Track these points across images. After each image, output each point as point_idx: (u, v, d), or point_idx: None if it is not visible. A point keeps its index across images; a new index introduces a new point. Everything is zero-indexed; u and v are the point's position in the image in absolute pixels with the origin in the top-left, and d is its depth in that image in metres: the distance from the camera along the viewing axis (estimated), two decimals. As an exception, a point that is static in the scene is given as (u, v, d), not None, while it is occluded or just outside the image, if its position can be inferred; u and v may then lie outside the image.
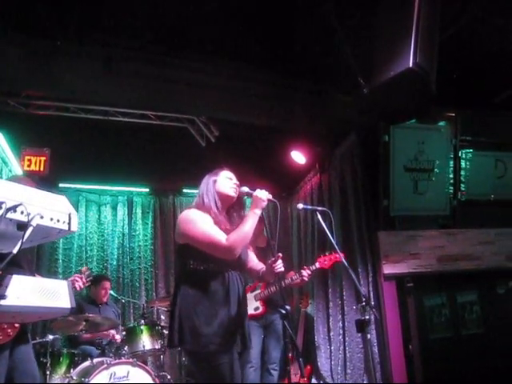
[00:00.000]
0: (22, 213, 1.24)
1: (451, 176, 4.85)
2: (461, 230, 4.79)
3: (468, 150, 4.93)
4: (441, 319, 4.68)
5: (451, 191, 4.85)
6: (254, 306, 4.16)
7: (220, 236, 2.28)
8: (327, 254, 3.81)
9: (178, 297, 2.32)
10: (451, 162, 4.86)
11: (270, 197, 2.45)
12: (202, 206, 2.42)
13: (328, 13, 3.95)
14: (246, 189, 2.51)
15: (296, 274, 3.66)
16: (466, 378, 4.41)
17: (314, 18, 4.10)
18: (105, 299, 4.87)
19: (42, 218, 1.29)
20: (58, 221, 1.36)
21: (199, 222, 2.32)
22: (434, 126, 4.83)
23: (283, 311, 2.25)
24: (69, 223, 1.38)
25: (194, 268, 2.32)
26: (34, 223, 1.25)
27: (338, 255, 3.51)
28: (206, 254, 2.29)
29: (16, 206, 1.21)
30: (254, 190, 2.46)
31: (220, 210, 2.42)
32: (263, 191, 2.44)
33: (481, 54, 4.54)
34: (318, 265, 3.74)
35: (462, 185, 4.88)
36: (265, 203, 2.42)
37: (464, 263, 4.68)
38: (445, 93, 4.19)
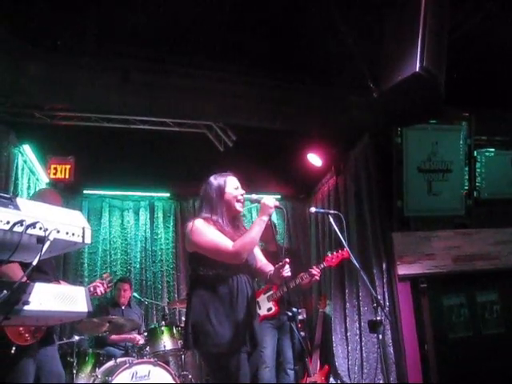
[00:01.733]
0: (40, 228, 1.39)
1: (466, 176, 4.84)
2: (477, 229, 4.78)
3: (483, 150, 4.92)
4: (460, 319, 4.67)
5: (466, 191, 4.84)
6: (267, 306, 4.25)
7: (226, 242, 2.39)
8: (334, 252, 3.87)
9: (191, 302, 2.46)
10: (466, 162, 4.85)
11: (277, 203, 2.52)
12: (209, 216, 2.51)
13: (336, 17, 4.03)
14: (254, 196, 2.60)
15: (305, 274, 3.74)
16: (486, 377, 4.40)
17: (324, 22, 4.17)
18: (123, 300, 5.02)
19: (58, 232, 1.44)
20: (73, 234, 1.51)
21: (206, 231, 2.42)
22: (447, 126, 4.83)
23: (290, 313, 2.36)
24: (83, 236, 1.53)
25: (203, 274, 2.44)
26: (51, 237, 1.40)
27: (344, 252, 3.60)
28: (214, 260, 2.41)
29: (35, 223, 1.36)
30: (262, 198, 2.55)
31: (227, 220, 2.53)
32: (270, 198, 2.53)
33: (494, 51, 4.53)
34: (325, 263, 3.82)
35: (478, 184, 4.87)
36: (272, 210, 2.49)
37: (481, 263, 4.67)
38: (458, 92, 4.21)
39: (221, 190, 2.57)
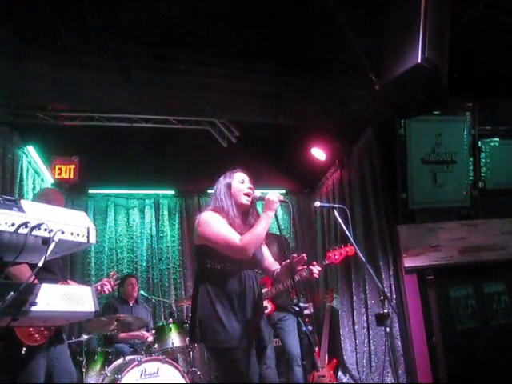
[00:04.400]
0: (45, 230, 1.40)
1: (471, 167, 4.82)
2: (482, 220, 4.75)
3: (487, 140, 4.89)
4: (467, 310, 4.66)
5: (471, 182, 4.82)
6: None
7: (234, 236, 2.37)
8: (337, 247, 3.73)
9: (198, 295, 2.43)
10: (470, 153, 4.82)
11: (282, 198, 2.52)
12: (218, 210, 2.51)
13: (337, 10, 4.00)
14: (257, 194, 2.59)
15: (305, 270, 3.64)
16: (495, 368, 4.39)
17: (325, 16, 4.15)
18: (135, 294, 5.07)
19: (63, 233, 1.45)
20: (78, 235, 1.52)
21: (214, 223, 2.42)
22: (450, 117, 4.80)
23: (297, 308, 2.34)
24: (87, 236, 1.54)
25: (211, 268, 2.43)
26: (56, 238, 1.41)
27: (348, 249, 3.51)
28: (222, 254, 2.40)
29: (40, 225, 1.37)
30: (266, 194, 2.54)
31: (235, 215, 2.51)
32: (274, 193, 2.51)
33: (498, 40, 4.49)
34: (327, 260, 3.69)
35: (483, 175, 4.84)
36: (277, 204, 2.48)
37: (487, 254, 4.64)
38: (462, 83, 4.19)
39: (228, 185, 2.59)
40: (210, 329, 2.33)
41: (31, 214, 1.40)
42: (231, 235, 2.38)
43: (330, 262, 3.70)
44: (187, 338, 4.24)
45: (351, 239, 2.90)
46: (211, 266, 2.44)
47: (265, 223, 2.43)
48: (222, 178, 2.66)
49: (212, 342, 2.35)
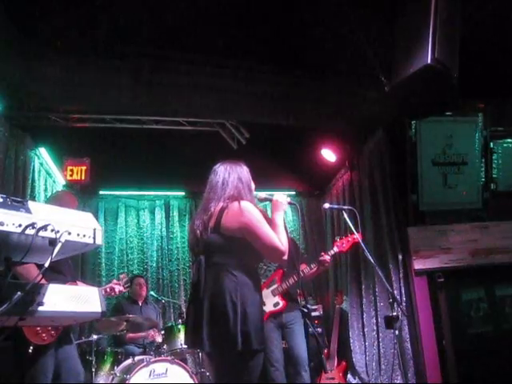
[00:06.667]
0: (52, 231, 1.42)
1: (482, 168, 4.76)
2: (494, 222, 4.68)
3: (500, 141, 4.83)
4: (479, 314, 4.60)
5: (483, 183, 4.76)
6: (273, 301, 3.81)
7: (277, 240, 2.20)
8: (343, 237, 3.74)
9: (236, 295, 2.11)
10: (482, 154, 4.76)
11: (289, 199, 2.49)
12: (250, 200, 2.34)
13: (348, 11, 3.99)
14: (263, 194, 2.54)
15: (314, 263, 3.65)
16: (507, 373, 4.33)
17: (336, 16, 4.14)
18: (143, 294, 5.13)
19: (69, 234, 1.47)
20: (84, 236, 1.53)
21: (262, 220, 2.22)
22: (462, 118, 4.75)
23: (305, 310, 2.34)
24: (94, 237, 1.55)
25: (247, 263, 2.25)
26: (62, 239, 1.43)
27: (355, 236, 3.37)
28: (256, 250, 2.23)
29: (46, 226, 1.39)
30: (272, 195, 2.51)
31: None
32: (282, 195, 2.48)
33: (510, 40, 4.43)
34: (336, 249, 3.69)
35: (495, 176, 4.78)
36: (286, 206, 2.45)
37: (499, 256, 4.57)
38: (473, 83, 4.14)
39: (250, 180, 2.46)
40: (255, 331, 2.08)
41: (38, 215, 1.42)
42: (276, 238, 2.20)
43: (339, 250, 3.74)
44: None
45: (360, 241, 2.92)
46: (247, 261, 2.24)
47: (282, 224, 2.33)
48: (239, 168, 2.45)
49: (253, 345, 2.06)
